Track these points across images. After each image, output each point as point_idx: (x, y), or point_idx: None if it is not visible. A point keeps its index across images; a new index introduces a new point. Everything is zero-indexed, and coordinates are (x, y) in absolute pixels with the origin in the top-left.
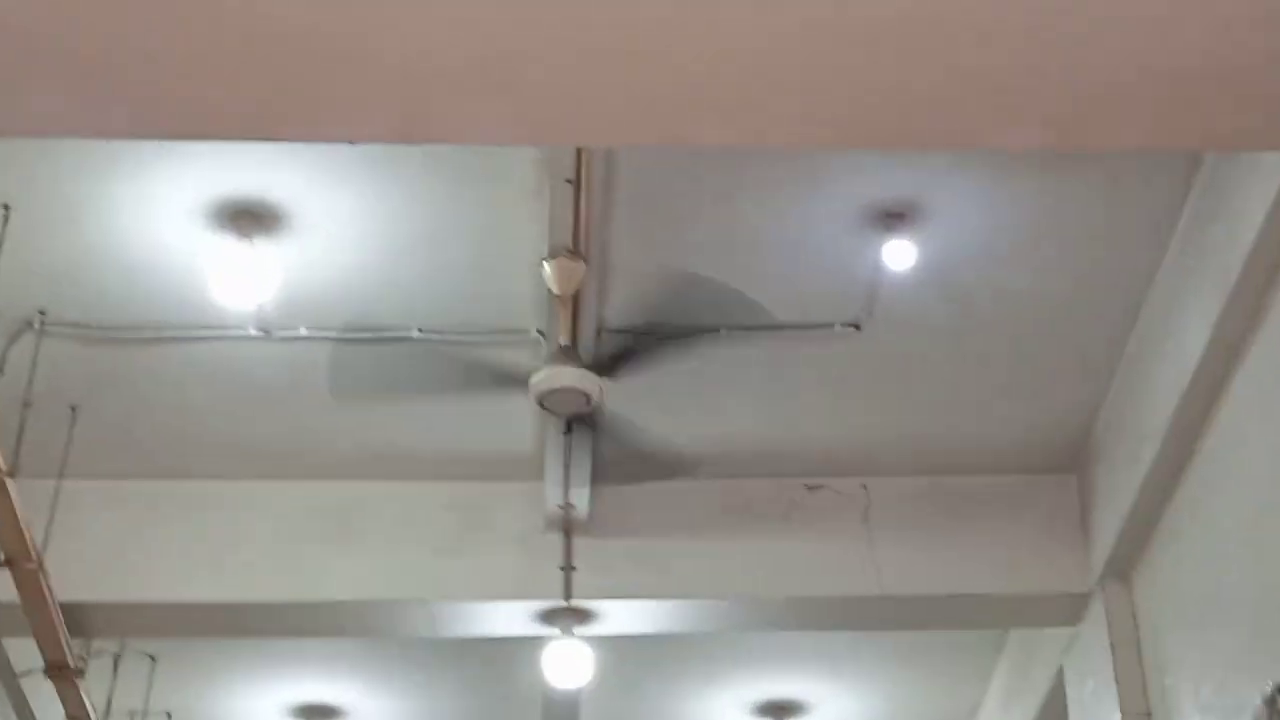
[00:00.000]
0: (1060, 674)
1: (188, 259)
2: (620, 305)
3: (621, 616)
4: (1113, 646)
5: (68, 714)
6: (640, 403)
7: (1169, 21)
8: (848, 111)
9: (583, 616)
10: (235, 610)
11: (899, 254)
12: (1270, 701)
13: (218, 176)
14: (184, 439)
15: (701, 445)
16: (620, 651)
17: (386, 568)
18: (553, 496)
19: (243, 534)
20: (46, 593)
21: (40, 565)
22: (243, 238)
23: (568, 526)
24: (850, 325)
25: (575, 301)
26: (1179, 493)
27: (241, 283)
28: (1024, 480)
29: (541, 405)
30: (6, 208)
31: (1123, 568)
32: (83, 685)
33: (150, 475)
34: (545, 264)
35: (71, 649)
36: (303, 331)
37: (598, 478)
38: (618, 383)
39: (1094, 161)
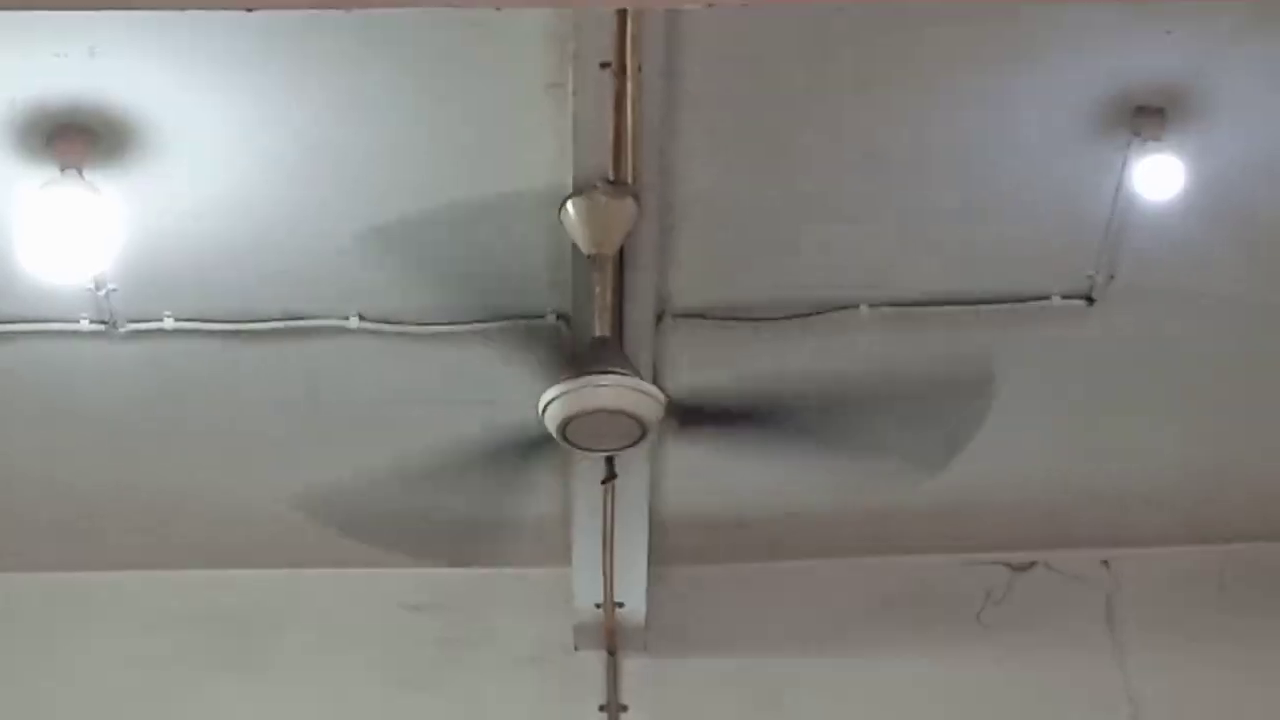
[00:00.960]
0: None
1: None
2: (694, 272)
3: None
4: None
5: None
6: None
7: None
8: None
9: None
10: None
11: (1155, 175)
12: None
13: (27, 73)
14: None
15: (831, 500)
16: None
17: (315, 712)
18: (586, 589)
19: (78, 662)
20: None
21: None
22: (69, 169)
23: (612, 639)
24: (1078, 297)
25: (619, 266)
26: None
27: (68, 243)
28: None
29: (565, 439)
30: None
31: None
32: None
33: None
34: (569, 204)
35: None
36: (168, 322)
37: (660, 557)
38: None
39: None
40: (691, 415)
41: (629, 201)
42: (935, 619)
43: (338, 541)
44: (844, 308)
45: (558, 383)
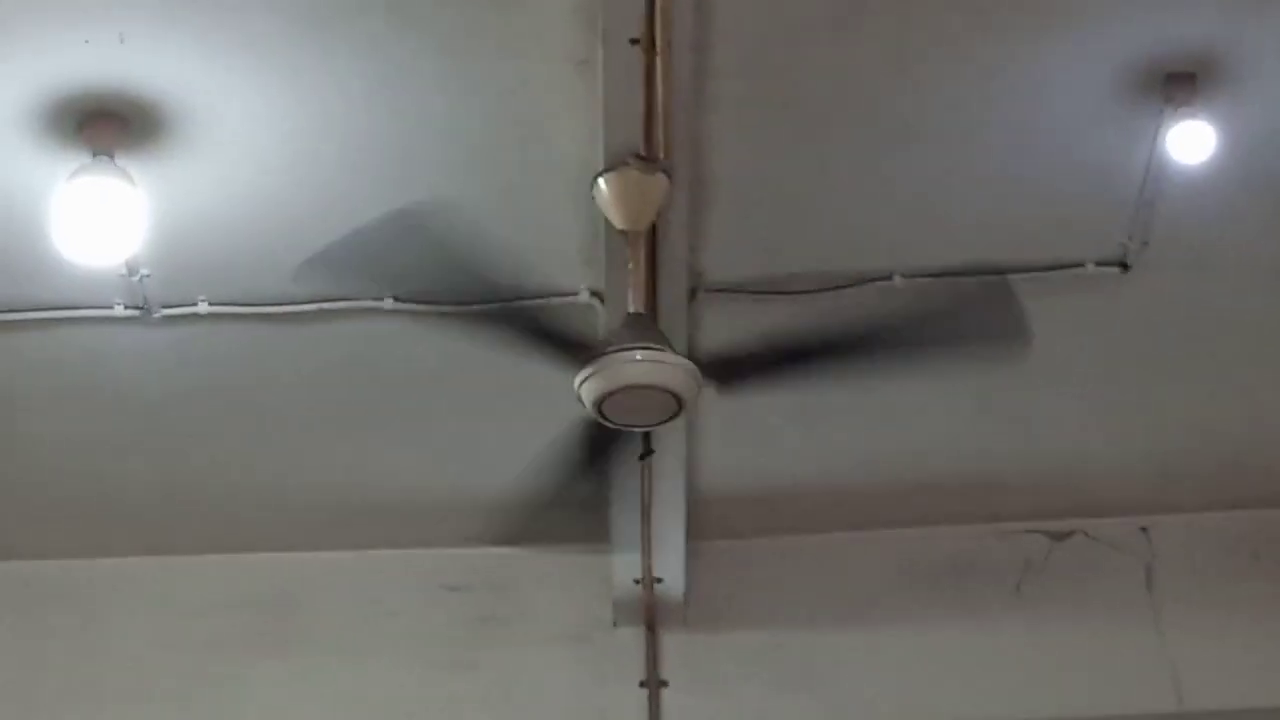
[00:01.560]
0: None
1: (13, 192)
2: (727, 246)
3: None
4: None
5: None
6: (757, 403)
7: None
8: None
9: None
10: None
11: (1188, 141)
12: None
13: (59, 61)
14: (16, 493)
15: (867, 471)
16: None
17: (357, 693)
18: (625, 566)
19: (117, 646)
20: None
21: None
22: (100, 154)
23: (651, 615)
24: (1113, 264)
25: (652, 241)
26: None
27: (101, 229)
28: None
29: (601, 416)
30: None
31: None
32: None
33: None
34: (600, 181)
35: None
36: (202, 307)
37: (698, 532)
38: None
39: None
40: (730, 370)
41: (660, 177)
42: (974, 589)
43: (376, 523)
44: (878, 279)
45: (593, 360)
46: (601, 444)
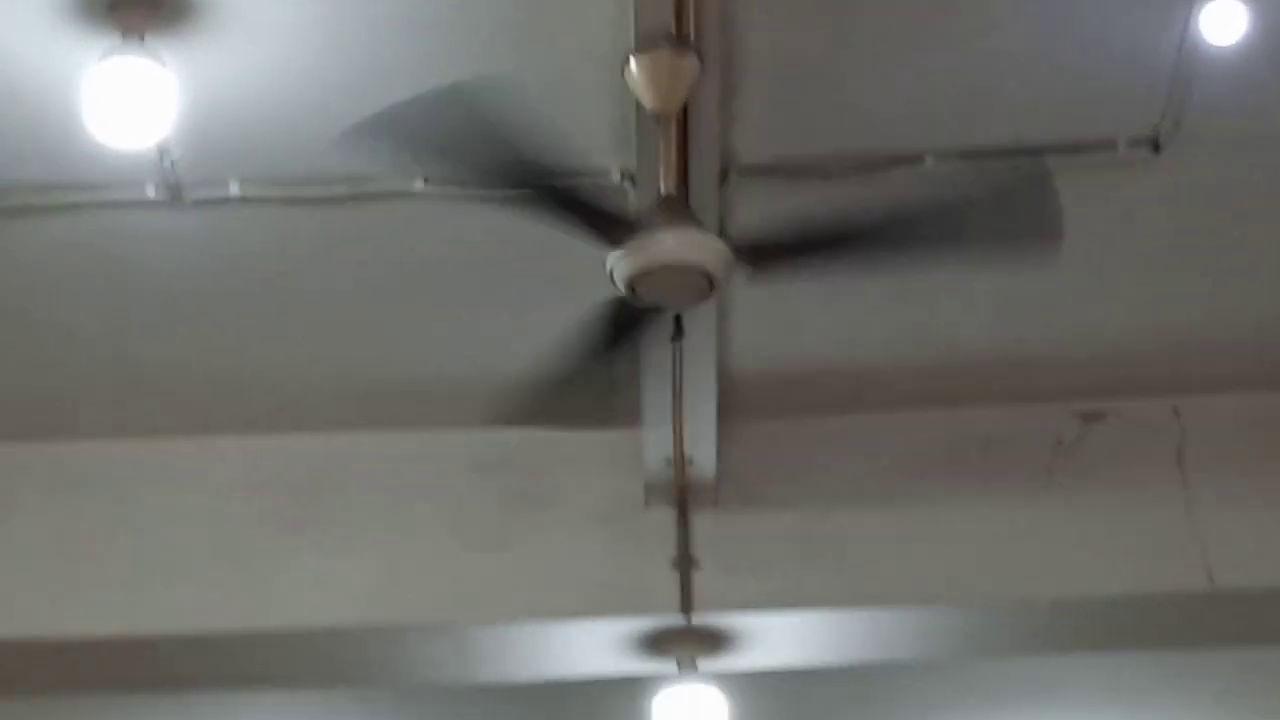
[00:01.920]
0: None
1: (44, 74)
2: (759, 127)
3: (773, 639)
4: None
5: None
6: (788, 284)
7: None
8: None
9: (711, 642)
10: (141, 649)
11: (1220, 21)
12: None
13: None
14: (50, 376)
15: (898, 352)
16: (773, 696)
17: (388, 574)
18: (656, 446)
19: (149, 526)
20: None
21: None
22: (130, 36)
23: (683, 495)
24: (1144, 143)
25: (683, 123)
26: None
27: (131, 112)
28: None
29: (634, 296)
30: None
31: None
32: None
33: None
34: (631, 61)
35: None
36: (234, 190)
37: (729, 412)
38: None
39: None
40: (762, 255)
41: (692, 58)
42: (1005, 470)
43: (405, 404)
44: (909, 160)
45: (625, 241)
46: (627, 324)
